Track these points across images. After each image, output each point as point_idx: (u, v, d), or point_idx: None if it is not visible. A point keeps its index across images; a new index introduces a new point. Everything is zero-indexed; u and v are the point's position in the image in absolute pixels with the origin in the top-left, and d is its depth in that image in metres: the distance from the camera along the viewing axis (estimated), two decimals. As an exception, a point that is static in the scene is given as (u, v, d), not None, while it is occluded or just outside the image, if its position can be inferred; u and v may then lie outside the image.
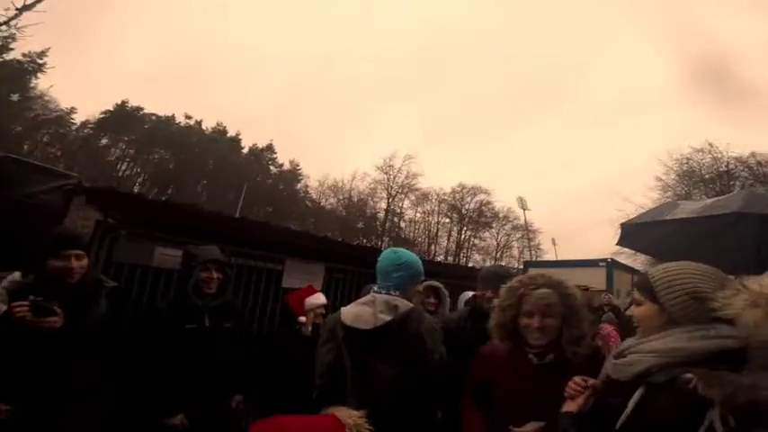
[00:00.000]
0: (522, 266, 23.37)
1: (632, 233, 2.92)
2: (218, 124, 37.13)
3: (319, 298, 2.97)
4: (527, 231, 32.11)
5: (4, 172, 2.38)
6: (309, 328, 2.89)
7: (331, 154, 51.00)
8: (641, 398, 0.99)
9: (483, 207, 33.69)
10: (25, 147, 22.79)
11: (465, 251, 32.80)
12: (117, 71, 41.18)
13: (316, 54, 52.80)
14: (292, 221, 27.79)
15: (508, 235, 33.36)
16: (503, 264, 26.89)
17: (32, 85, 24.30)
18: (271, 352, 2.77)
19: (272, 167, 38.78)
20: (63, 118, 29.29)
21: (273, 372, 2.65)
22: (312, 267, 4.31)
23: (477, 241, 33.58)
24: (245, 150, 38.05)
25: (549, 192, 47.36)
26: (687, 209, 2.68)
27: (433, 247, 32.19)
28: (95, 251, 2.69)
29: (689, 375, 0.92)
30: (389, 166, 33.84)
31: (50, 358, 1.75)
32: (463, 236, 33.62)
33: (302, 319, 2.91)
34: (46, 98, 25.97)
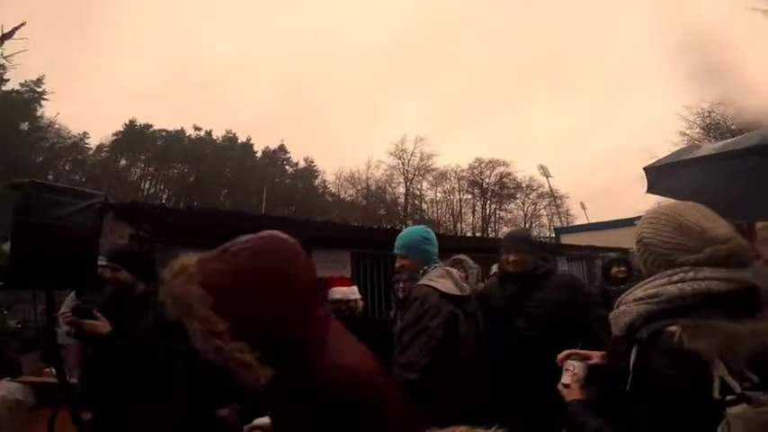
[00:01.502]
0: (553, 234, 22.96)
1: (658, 178, 2.79)
2: (227, 131, 37.66)
3: (332, 293, 2.94)
4: (553, 198, 31.39)
5: (33, 198, 2.48)
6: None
7: (343, 146, 51.11)
8: (637, 358, 0.90)
9: (504, 179, 33.23)
10: (50, 176, 23.70)
11: (492, 225, 32.46)
12: (117, 90, 41.88)
13: (314, 51, 52.33)
14: (316, 217, 28.10)
15: (534, 204, 32.84)
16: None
17: (39, 114, 24.18)
18: None
19: (287, 167, 39.16)
20: (77, 144, 30.30)
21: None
22: (338, 256, 4.36)
23: (503, 214, 33.22)
24: (259, 154, 38.51)
25: (570, 157, 46.12)
26: (708, 147, 2.58)
27: (458, 225, 32.03)
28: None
29: (673, 328, 0.83)
30: (402, 150, 33.73)
31: (105, 365, 1.92)
32: (488, 210, 33.31)
33: None
34: (56, 126, 26.83)
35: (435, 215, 33.09)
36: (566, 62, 49.45)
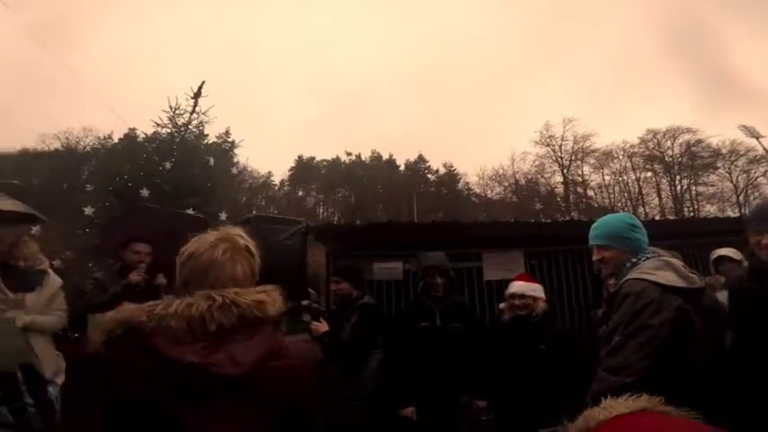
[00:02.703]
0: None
1: None
2: (372, 152, 40.84)
3: (510, 287, 2.82)
4: (775, 160, 23.46)
5: (258, 228, 3.10)
6: (506, 315, 2.78)
7: (481, 145, 49.55)
8: None
9: (693, 148, 26.60)
10: (254, 212, 29.86)
11: (689, 204, 26.22)
12: (281, 127, 49.36)
13: (438, 54, 52.62)
14: (463, 220, 27.80)
15: (746, 171, 25.19)
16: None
17: (236, 160, 31.20)
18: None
19: (429, 176, 40.16)
20: (266, 182, 37.36)
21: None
22: (510, 256, 4.10)
23: (702, 189, 26.56)
24: (402, 168, 40.61)
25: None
26: None
27: (641, 209, 26.89)
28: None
29: None
30: (549, 136, 30.59)
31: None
32: (680, 187, 27.06)
33: (500, 306, 2.89)
34: (249, 169, 33.51)
35: (607, 201, 28.55)
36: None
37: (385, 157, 40.88)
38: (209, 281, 1.00)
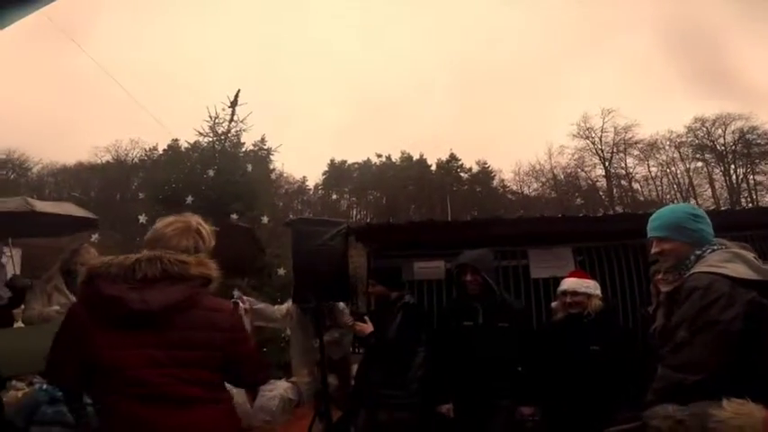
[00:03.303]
0: None
1: None
2: (402, 152, 40.74)
3: (562, 284, 2.67)
4: None
5: (301, 230, 3.11)
6: (558, 314, 2.66)
7: (514, 141, 48.12)
8: None
9: (747, 135, 24.90)
10: (290, 216, 30.69)
11: (746, 194, 24.34)
12: (313, 132, 50.02)
13: (465, 49, 51.59)
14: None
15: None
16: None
17: (272, 167, 31.88)
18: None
19: (462, 174, 39.49)
20: (301, 187, 38.30)
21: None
22: (558, 253, 3.90)
23: (760, 178, 24.80)
24: (433, 167, 40.17)
25: None
26: None
27: (692, 201, 25.32)
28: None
29: None
30: (588, 128, 29.37)
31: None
32: (734, 176, 25.18)
33: (552, 304, 2.76)
34: (285, 175, 34.30)
35: (655, 194, 27.03)
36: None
37: (415, 157, 40.68)
38: (158, 249, 1.27)
